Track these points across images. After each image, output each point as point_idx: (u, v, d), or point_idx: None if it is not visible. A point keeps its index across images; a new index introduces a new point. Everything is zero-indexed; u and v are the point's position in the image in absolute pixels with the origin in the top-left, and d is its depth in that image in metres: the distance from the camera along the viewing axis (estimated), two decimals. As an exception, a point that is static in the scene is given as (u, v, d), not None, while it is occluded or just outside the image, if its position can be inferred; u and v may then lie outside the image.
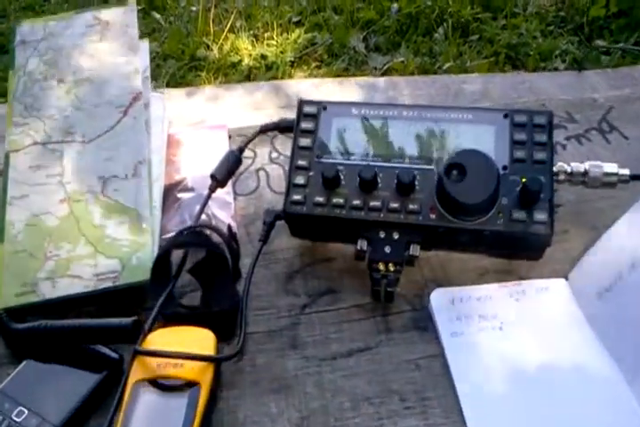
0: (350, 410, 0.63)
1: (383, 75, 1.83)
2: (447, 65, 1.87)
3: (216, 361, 0.63)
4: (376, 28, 2.02)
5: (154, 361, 0.62)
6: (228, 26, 2.03)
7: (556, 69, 1.86)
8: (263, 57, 1.97)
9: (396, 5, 2.05)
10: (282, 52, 1.97)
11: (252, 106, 1.00)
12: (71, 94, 0.80)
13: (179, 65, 1.96)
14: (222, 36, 2.02)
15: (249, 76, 1.91)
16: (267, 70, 1.93)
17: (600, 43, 1.96)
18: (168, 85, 1.83)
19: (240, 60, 1.96)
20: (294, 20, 2.08)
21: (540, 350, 0.65)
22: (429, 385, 0.64)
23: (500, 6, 2.05)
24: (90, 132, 0.77)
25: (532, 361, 0.65)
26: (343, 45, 1.98)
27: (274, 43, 2.01)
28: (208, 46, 2.01)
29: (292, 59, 1.96)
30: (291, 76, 1.87)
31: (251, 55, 1.97)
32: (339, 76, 1.80)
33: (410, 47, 1.96)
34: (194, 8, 2.13)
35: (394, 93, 1.06)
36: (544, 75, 1.34)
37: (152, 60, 2.00)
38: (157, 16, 2.13)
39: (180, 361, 0.61)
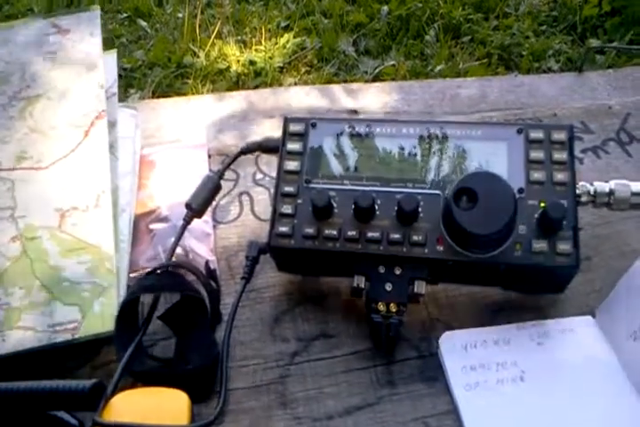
0: (351, 483, 0.52)
1: (374, 79, 1.72)
2: (439, 67, 1.76)
3: (190, 432, 0.51)
4: (366, 32, 1.90)
5: (116, 434, 0.50)
6: (215, 32, 1.91)
7: (549, 69, 1.75)
8: (252, 63, 1.85)
9: (385, 8, 1.93)
10: (270, 58, 1.85)
11: (239, 116, 0.88)
12: (25, 113, 0.68)
13: (165, 73, 1.84)
14: (209, 43, 1.90)
15: (237, 83, 1.79)
16: (255, 76, 1.81)
17: (594, 42, 1.84)
18: (154, 94, 1.71)
19: (228, 67, 1.84)
20: (282, 24, 1.96)
21: (569, 403, 0.54)
22: (442, 450, 0.53)
23: (491, 6, 1.94)
24: (46, 156, 0.65)
25: (560, 417, 0.53)
26: (333, 50, 1.86)
27: (262, 48, 1.88)
28: (195, 53, 1.89)
29: (282, 64, 1.84)
30: (280, 82, 1.75)
31: (239, 61, 1.85)
32: (329, 81, 1.68)
33: (401, 50, 1.84)
34: (180, 15, 2.00)
35: (387, 100, 0.95)
36: (542, 77, 1.22)
37: (138, 68, 1.89)
38: (143, 23, 2.01)
39: (147, 433, 0.50)
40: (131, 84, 1.85)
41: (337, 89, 0.99)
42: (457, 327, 0.59)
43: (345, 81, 1.67)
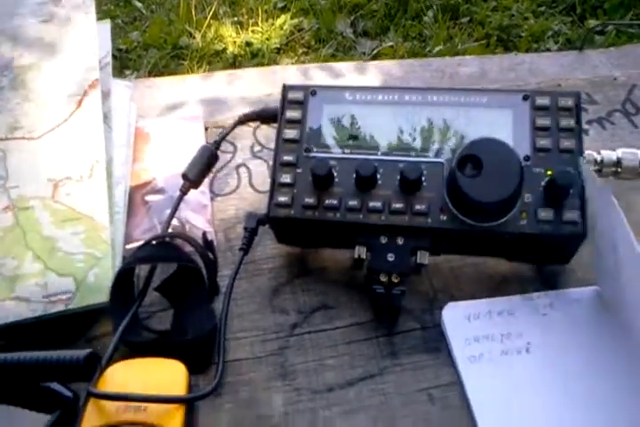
0: (352, 456, 0.50)
1: (372, 60, 1.70)
2: (437, 48, 1.74)
3: (186, 402, 0.49)
4: (364, 13, 1.88)
5: (111, 404, 0.48)
6: (211, 13, 1.89)
7: (548, 50, 1.73)
8: (248, 44, 1.82)
9: (384, -12, 1.90)
10: (267, 39, 1.83)
11: (237, 93, 0.86)
12: (17, 83, 0.65)
13: (161, 54, 1.82)
14: (205, 24, 1.87)
15: (234, 64, 1.77)
16: (252, 58, 1.78)
17: (593, 23, 1.82)
18: (150, 75, 1.68)
19: (224, 48, 1.82)
20: (279, 5, 1.93)
21: (575, 375, 0.52)
22: (446, 422, 0.51)
23: (490, -13, 1.91)
24: (39, 126, 0.63)
25: (566, 389, 0.52)
26: (330, 31, 1.84)
27: (259, 29, 1.86)
28: (191, 34, 1.87)
29: (278, 45, 1.82)
30: (277, 64, 1.73)
31: (235, 43, 1.83)
32: (326, 62, 1.66)
33: (399, 31, 1.82)
34: (176, -5, 1.97)
35: (386, 78, 0.93)
36: (543, 55, 1.20)
37: (133, 49, 1.86)
38: (139, 4, 1.98)
39: (142, 404, 0.48)
40: (126, 65, 1.82)
41: (335, 67, 0.97)
42: (460, 299, 0.58)
43: (342, 61, 1.64)
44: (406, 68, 0.94)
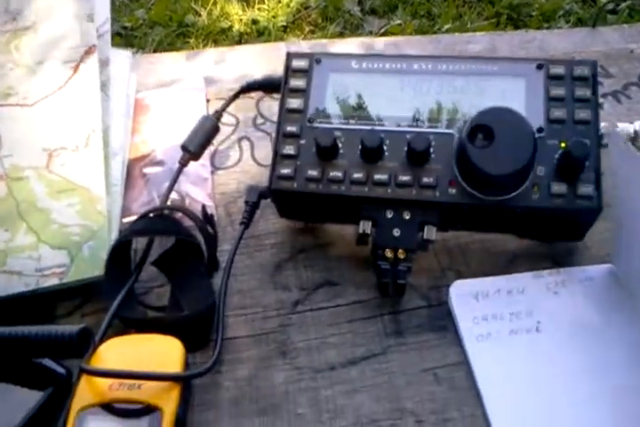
0: (354, 436, 0.48)
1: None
2: (446, 27, 1.70)
3: (183, 380, 0.47)
4: (372, -10, 1.83)
5: (105, 382, 0.46)
6: (218, -10, 1.84)
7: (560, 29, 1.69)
8: (254, 22, 1.79)
9: (392, -35, 1.86)
10: (274, 17, 1.79)
11: (241, 69, 0.83)
12: (10, 47, 0.63)
13: (166, 32, 1.79)
14: (211, 1, 1.84)
15: (240, 42, 1.73)
16: (258, 35, 1.75)
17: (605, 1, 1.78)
18: (155, 53, 1.65)
19: (230, 26, 1.78)
20: (286, -18, 1.89)
21: (586, 355, 0.50)
22: (452, 403, 0.49)
23: (501, -36, 1.86)
24: (33, 93, 0.60)
25: (577, 370, 0.49)
26: (338, 9, 1.80)
27: (265, 7, 1.82)
28: (197, 12, 1.83)
29: (285, 23, 1.78)
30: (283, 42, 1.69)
31: (241, 20, 1.79)
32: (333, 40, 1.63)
33: (407, 9, 1.78)
34: (181, -28, 1.93)
35: (394, 54, 0.89)
36: (554, 32, 1.17)
37: (139, 27, 1.83)
38: (144, -19, 1.94)
39: (136, 381, 0.46)
40: (131, 43, 1.79)
41: (343, 43, 0.94)
42: (468, 276, 0.55)
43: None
44: (414, 45, 0.91)
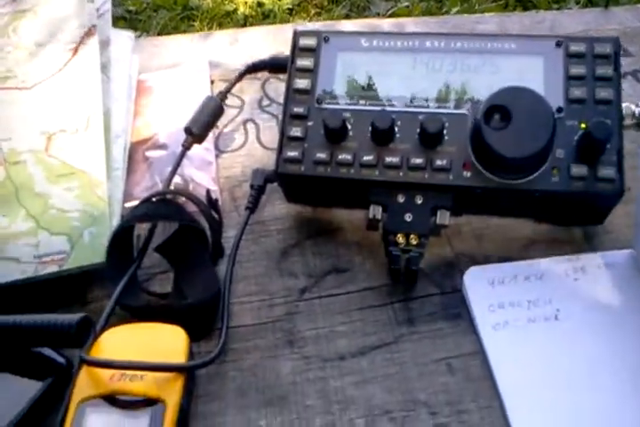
0: (365, 428, 0.46)
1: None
2: (454, 9, 1.66)
3: (187, 370, 0.45)
4: (379, -28, 1.79)
5: (105, 372, 0.44)
6: (222, -28, 1.81)
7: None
8: (259, 5, 1.76)
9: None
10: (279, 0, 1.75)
11: (247, 51, 0.80)
12: (8, 29, 0.60)
13: (170, 15, 1.76)
14: (216, -16, 1.80)
15: (245, 25, 1.70)
16: (263, 18, 1.72)
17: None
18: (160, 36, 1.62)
19: (235, 9, 1.75)
20: (292, -36, 1.85)
21: (607, 344, 0.48)
22: (467, 394, 0.47)
23: (510, -55, 1.82)
24: (32, 75, 0.58)
25: (597, 360, 0.47)
26: (344, -10, 1.76)
27: (270, -11, 1.79)
28: (201, -5, 1.80)
29: (290, 6, 1.75)
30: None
31: (246, 3, 1.76)
32: (340, 22, 1.59)
33: (414, -9, 1.74)
34: (186, -46, 1.89)
35: (402, 35, 0.86)
36: (564, 12, 1.14)
37: (143, 11, 1.80)
38: (148, -36, 1.90)
39: (138, 372, 0.44)
40: (135, 27, 1.76)
41: (349, 24, 0.91)
42: (483, 262, 0.53)
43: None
44: (421, 26, 0.88)
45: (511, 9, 1.69)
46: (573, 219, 0.53)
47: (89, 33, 0.60)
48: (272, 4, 1.73)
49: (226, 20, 1.72)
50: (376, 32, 0.55)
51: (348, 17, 1.67)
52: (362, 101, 0.52)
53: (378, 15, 1.66)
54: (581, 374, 0.46)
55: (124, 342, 0.47)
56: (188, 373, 0.45)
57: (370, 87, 0.53)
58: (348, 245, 0.55)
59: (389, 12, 1.66)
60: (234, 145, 0.64)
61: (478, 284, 0.51)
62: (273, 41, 0.78)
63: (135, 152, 0.62)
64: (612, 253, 0.52)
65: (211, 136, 0.62)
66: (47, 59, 0.59)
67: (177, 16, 1.74)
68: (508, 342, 0.48)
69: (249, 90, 0.67)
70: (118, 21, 1.68)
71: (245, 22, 1.71)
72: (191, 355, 0.47)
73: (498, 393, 0.46)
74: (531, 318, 0.49)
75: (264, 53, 0.74)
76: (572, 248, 0.53)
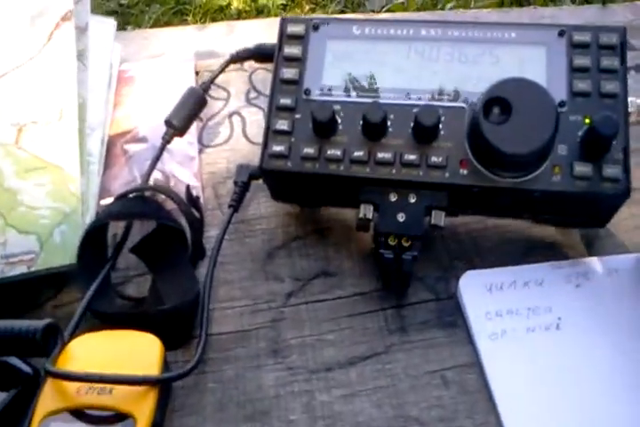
0: (353, 446, 0.42)
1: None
2: (450, 5, 1.62)
3: (159, 383, 0.41)
4: (374, -33, 1.75)
5: (72, 385, 0.40)
6: (216, -34, 1.77)
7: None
8: (253, 0, 1.71)
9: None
10: (273, -6, 1.71)
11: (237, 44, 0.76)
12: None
13: (163, 10, 1.72)
14: (209, -22, 1.75)
15: (238, 20, 1.65)
16: (257, 14, 1.68)
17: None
18: (151, 30, 1.58)
19: (228, 4, 1.71)
20: (286, -41, 1.81)
21: (611, 355, 0.44)
22: (462, 409, 0.43)
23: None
24: (2, 64, 0.54)
25: (601, 371, 0.43)
26: (339, -14, 1.72)
27: (264, -16, 1.74)
28: (194, -11, 1.75)
29: (285, 1, 1.70)
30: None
31: (240, -2, 1.71)
32: (334, 17, 1.56)
33: (410, -13, 1.70)
34: (179, -53, 1.85)
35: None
36: (563, 9, 1.11)
37: (135, 4, 1.75)
38: (141, -42, 1.86)
39: (107, 385, 0.40)
40: (128, 21, 1.72)
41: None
42: (480, 266, 0.49)
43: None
44: (418, 21, 0.84)
45: (507, 5, 1.65)
46: (575, 221, 0.49)
47: (65, 18, 0.55)
48: (266, 0, 1.69)
49: (219, 15, 1.68)
50: (368, 19, 0.51)
51: (342, 13, 1.63)
52: (352, 93, 0.49)
53: (373, 11, 1.62)
54: (584, 389, 0.43)
55: (94, 351, 0.43)
56: (161, 386, 0.41)
57: (361, 78, 0.49)
58: (337, 246, 0.52)
59: (385, 8, 1.62)
60: (218, 139, 0.60)
61: (474, 289, 0.47)
62: (266, 35, 0.74)
63: (113, 145, 0.58)
64: (617, 257, 0.48)
65: (194, 130, 0.58)
66: (19, 45, 0.54)
67: (170, 10, 1.70)
68: (506, 352, 0.44)
69: (235, 81, 0.63)
70: (110, 15, 1.64)
71: (239, 17, 1.67)
72: (166, 365, 0.43)
73: (495, 408, 0.42)
74: (530, 328, 0.45)
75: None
76: (573, 252, 0.50)
